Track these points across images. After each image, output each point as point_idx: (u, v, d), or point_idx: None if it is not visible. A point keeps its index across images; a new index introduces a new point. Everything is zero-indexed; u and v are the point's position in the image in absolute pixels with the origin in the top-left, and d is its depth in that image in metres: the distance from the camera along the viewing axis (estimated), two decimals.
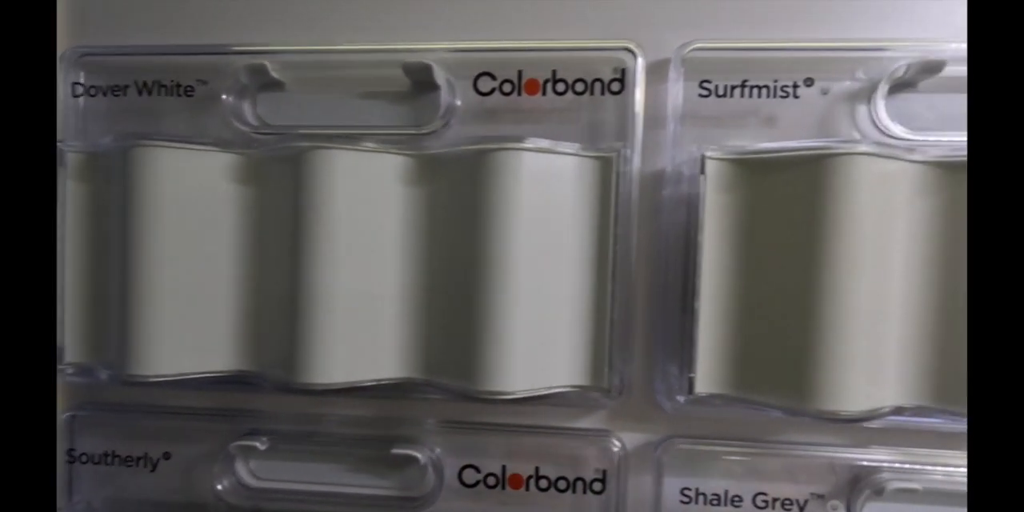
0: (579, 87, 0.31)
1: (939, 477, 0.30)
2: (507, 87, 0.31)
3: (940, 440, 0.31)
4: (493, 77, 0.31)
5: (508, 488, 0.32)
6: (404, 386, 0.32)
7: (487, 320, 0.29)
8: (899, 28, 0.31)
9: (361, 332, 0.30)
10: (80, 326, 0.33)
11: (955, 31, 0.30)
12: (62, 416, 0.35)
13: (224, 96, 0.33)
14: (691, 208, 0.30)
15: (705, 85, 0.30)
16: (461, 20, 0.32)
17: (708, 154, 0.29)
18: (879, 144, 0.28)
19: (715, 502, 0.31)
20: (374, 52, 0.32)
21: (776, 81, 0.30)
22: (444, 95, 0.32)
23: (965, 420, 0.28)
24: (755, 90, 0.30)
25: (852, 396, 0.28)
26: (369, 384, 0.31)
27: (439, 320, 0.31)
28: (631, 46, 0.31)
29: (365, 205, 0.30)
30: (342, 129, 0.33)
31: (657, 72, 0.31)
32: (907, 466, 0.31)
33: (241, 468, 0.35)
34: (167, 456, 0.35)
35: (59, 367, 0.32)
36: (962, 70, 0.29)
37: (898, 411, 0.29)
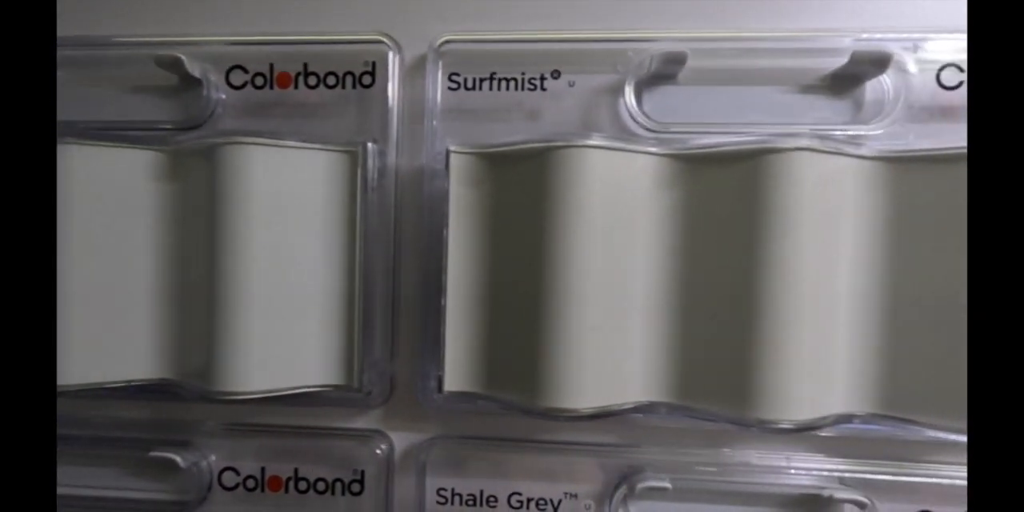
0: (331, 81, 0.31)
1: (695, 475, 0.30)
2: (259, 80, 0.31)
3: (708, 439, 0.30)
4: (245, 70, 0.31)
5: (267, 490, 0.32)
6: (163, 386, 0.31)
7: (224, 318, 0.28)
8: (659, 21, 0.30)
9: None
10: None
11: (703, 23, 0.30)
12: None
13: None
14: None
15: (454, 78, 0.30)
16: (213, 12, 0.31)
17: (451, 148, 0.29)
18: (609, 137, 0.27)
19: (471, 502, 0.31)
20: (131, 45, 0.31)
21: (524, 74, 0.30)
22: (205, 89, 0.31)
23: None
24: (503, 82, 0.30)
25: (582, 395, 0.27)
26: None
27: (192, 321, 0.30)
28: (384, 39, 0.30)
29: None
30: (109, 125, 0.32)
31: (413, 66, 0.31)
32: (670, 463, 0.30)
33: None
34: None
35: None
36: (711, 62, 0.29)
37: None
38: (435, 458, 0.31)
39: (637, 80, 0.29)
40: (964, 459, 0.29)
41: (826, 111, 0.30)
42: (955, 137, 0.28)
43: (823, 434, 0.29)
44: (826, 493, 0.29)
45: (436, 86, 0.30)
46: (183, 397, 0.31)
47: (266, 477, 0.32)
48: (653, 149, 0.28)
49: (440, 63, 0.30)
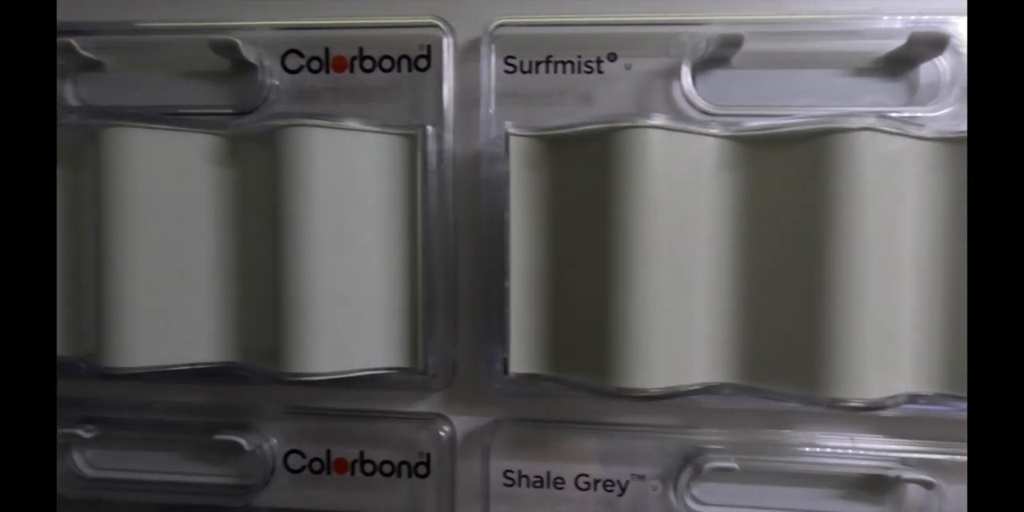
0: (386, 64, 0.30)
1: (760, 456, 0.30)
2: (315, 64, 0.31)
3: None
4: (301, 54, 0.31)
5: (333, 473, 0.32)
6: (225, 369, 0.31)
7: (290, 302, 0.29)
8: (713, 4, 0.30)
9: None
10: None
11: (757, 6, 0.30)
12: None
13: None
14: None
15: (510, 61, 0.30)
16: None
17: (511, 131, 0.29)
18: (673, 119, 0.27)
19: (538, 484, 0.31)
20: (185, 31, 0.31)
21: (580, 57, 0.30)
22: (259, 74, 0.31)
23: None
24: (560, 66, 0.30)
25: (652, 375, 0.27)
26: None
27: (255, 304, 0.30)
28: (438, 22, 0.30)
29: None
30: (165, 109, 0.32)
31: (468, 50, 0.30)
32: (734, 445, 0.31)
33: (78, 458, 0.34)
34: None
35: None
36: (765, 45, 0.29)
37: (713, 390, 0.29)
38: (499, 440, 0.31)
39: (692, 63, 0.29)
40: None
41: (881, 94, 0.30)
42: None
43: (884, 415, 0.29)
44: (892, 473, 0.29)
45: (490, 69, 0.30)
46: (244, 380, 0.31)
47: (332, 460, 0.32)
48: (715, 131, 0.28)
49: (494, 46, 0.30)
